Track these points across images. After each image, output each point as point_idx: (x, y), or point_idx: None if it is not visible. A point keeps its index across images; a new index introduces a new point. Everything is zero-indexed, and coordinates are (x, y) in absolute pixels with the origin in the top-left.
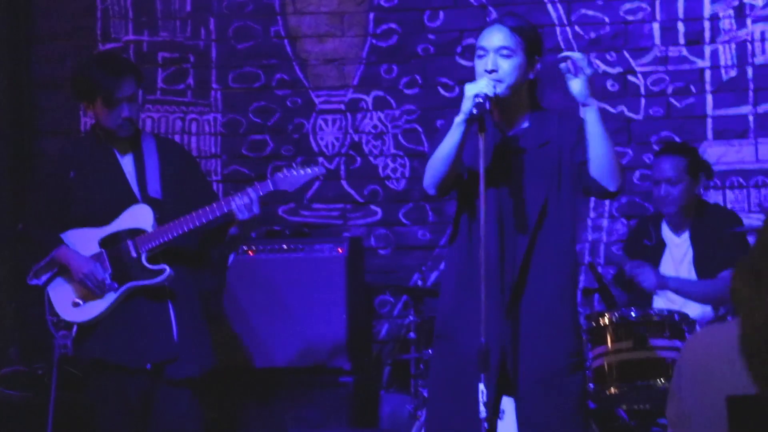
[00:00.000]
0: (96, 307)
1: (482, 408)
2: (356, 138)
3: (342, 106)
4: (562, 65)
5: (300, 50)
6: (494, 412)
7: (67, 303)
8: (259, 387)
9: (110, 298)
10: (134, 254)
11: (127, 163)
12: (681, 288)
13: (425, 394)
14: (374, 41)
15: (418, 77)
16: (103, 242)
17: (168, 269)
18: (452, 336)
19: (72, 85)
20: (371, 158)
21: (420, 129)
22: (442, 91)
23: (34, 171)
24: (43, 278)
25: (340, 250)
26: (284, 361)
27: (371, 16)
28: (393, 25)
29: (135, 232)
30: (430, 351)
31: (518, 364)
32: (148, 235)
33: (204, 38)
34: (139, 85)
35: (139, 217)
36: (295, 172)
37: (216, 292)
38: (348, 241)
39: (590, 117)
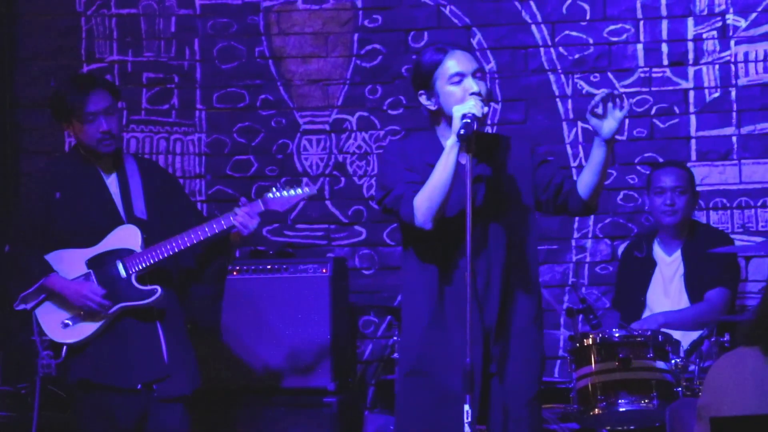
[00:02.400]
0: (86, 328)
1: (467, 429)
2: (340, 158)
3: (326, 127)
4: (599, 99)
5: (284, 71)
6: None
7: (57, 324)
8: (244, 407)
9: (101, 318)
10: (124, 275)
11: (111, 183)
12: (670, 321)
13: None
14: (358, 62)
15: (402, 98)
16: (90, 263)
17: (160, 290)
18: (429, 372)
19: (50, 108)
20: (355, 178)
21: None
22: (426, 112)
23: (18, 191)
24: (31, 304)
25: (325, 271)
26: (268, 381)
27: (355, 36)
28: (377, 46)
29: (123, 253)
30: None
31: (505, 388)
32: (137, 255)
33: (188, 58)
34: (116, 98)
35: (127, 237)
36: (285, 193)
37: (213, 301)
38: (332, 261)
39: (607, 152)
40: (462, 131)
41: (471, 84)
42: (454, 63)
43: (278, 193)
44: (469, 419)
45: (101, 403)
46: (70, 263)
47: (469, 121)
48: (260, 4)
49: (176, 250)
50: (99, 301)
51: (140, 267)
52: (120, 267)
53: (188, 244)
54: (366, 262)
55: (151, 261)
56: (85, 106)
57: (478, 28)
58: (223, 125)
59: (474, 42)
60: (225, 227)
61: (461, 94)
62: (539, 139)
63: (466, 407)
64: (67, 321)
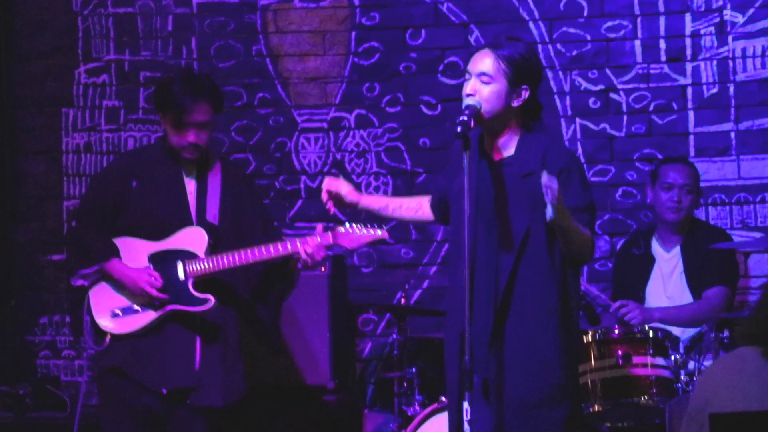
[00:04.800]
0: (133, 323)
1: (467, 427)
2: (339, 156)
3: (324, 125)
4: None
5: (282, 69)
6: None
7: (107, 311)
8: (243, 406)
9: (150, 316)
10: (182, 277)
11: (190, 182)
12: (667, 317)
13: (409, 413)
14: (356, 60)
15: (400, 95)
16: (152, 257)
17: (212, 299)
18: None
19: (153, 93)
20: (354, 176)
21: (402, 147)
22: (424, 109)
23: (17, 191)
24: (88, 281)
25: (323, 269)
26: (268, 379)
27: (353, 34)
28: (375, 44)
29: (186, 254)
30: (413, 369)
31: (500, 394)
32: (200, 262)
33: (186, 57)
34: (216, 110)
35: (193, 240)
36: (358, 231)
37: (273, 324)
38: (331, 259)
39: (560, 226)
40: (459, 129)
41: (468, 84)
42: (470, 59)
43: (352, 230)
44: (469, 417)
45: (127, 392)
46: (133, 253)
47: (465, 119)
48: (257, 2)
49: (236, 264)
50: (156, 294)
51: (199, 272)
52: (180, 268)
53: (249, 260)
54: (365, 260)
55: (212, 269)
56: (183, 116)
57: (476, 25)
58: (220, 124)
59: (471, 39)
60: (290, 251)
61: (463, 92)
62: None
63: (465, 405)
64: (117, 311)
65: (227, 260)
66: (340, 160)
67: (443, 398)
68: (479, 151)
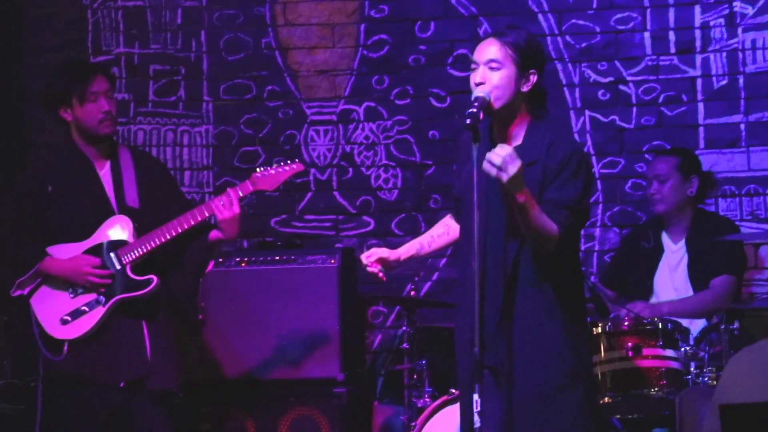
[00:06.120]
0: (85, 323)
1: (476, 418)
2: (348, 149)
3: (333, 117)
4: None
5: (291, 62)
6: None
7: (55, 320)
8: (253, 398)
9: (99, 311)
10: (118, 266)
11: (104, 174)
12: (675, 309)
13: (418, 405)
14: (365, 52)
15: (409, 88)
16: None
17: (155, 279)
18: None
19: (45, 97)
20: (363, 169)
21: (412, 139)
22: (433, 102)
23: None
24: (27, 289)
25: (333, 261)
26: (277, 372)
27: (362, 27)
28: (384, 36)
29: (116, 244)
30: (423, 361)
31: (511, 385)
32: (130, 245)
33: (195, 50)
34: (113, 83)
35: (119, 228)
36: (272, 171)
37: (189, 298)
38: (340, 252)
39: (517, 209)
40: (468, 121)
41: (477, 74)
42: (476, 49)
43: (266, 172)
44: (479, 408)
45: (82, 398)
46: (66, 257)
47: (474, 111)
48: None
49: (168, 237)
50: (98, 272)
51: (133, 257)
52: (114, 259)
53: (180, 231)
54: None
55: (144, 250)
56: (89, 86)
57: (485, 17)
58: (230, 117)
59: (481, 32)
60: (212, 211)
61: (472, 82)
62: None
63: (475, 396)
64: (66, 317)
65: (158, 237)
66: (349, 152)
67: (453, 390)
68: (489, 142)
